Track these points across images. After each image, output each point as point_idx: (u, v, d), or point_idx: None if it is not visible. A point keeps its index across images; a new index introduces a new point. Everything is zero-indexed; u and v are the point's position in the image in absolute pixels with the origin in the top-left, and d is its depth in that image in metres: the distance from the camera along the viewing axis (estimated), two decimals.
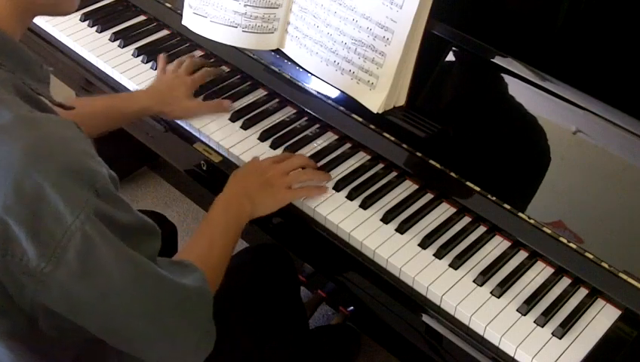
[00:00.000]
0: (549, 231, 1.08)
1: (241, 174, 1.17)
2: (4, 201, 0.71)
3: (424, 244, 1.11)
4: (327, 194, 1.19)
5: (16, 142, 0.72)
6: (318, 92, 1.31)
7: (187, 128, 1.34)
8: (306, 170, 1.21)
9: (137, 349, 0.85)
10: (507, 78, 1.16)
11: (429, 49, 1.18)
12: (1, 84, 0.77)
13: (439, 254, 1.10)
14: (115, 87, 1.44)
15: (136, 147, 1.50)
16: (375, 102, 1.20)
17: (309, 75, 1.30)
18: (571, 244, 1.06)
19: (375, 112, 1.21)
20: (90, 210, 0.74)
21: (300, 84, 1.33)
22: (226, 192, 1.13)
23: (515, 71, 1.15)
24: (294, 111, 1.36)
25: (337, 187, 1.20)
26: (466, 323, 1.03)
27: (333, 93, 1.29)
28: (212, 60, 1.47)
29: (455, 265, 1.08)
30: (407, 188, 1.21)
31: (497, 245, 1.12)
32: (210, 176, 1.32)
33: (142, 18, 1.59)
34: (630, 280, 1.01)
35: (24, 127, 0.74)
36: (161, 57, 1.41)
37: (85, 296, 0.76)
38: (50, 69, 0.88)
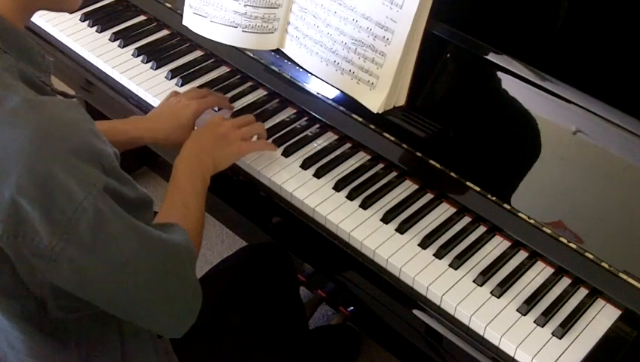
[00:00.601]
0: (549, 231, 1.08)
1: (195, 134, 1.19)
2: (17, 182, 0.73)
3: (424, 244, 1.11)
4: (327, 193, 1.19)
5: (26, 125, 0.75)
6: (318, 92, 1.31)
7: None
8: (255, 124, 1.25)
9: (139, 316, 0.87)
10: (507, 77, 1.16)
11: (429, 49, 1.18)
12: (7, 70, 0.80)
13: (439, 254, 1.10)
14: (116, 87, 1.44)
15: (136, 147, 1.49)
16: (375, 102, 1.20)
17: (309, 75, 1.30)
18: (571, 244, 1.06)
19: (375, 112, 1.21)
20: (100, 186, 0.77)
21: (300, 84, 1.33)
22: (184, 153, 1.14)
23: (515, 71, 1.15)
24: (294, 111, 1.36)
25: (337, 187, 1.20)
26: (466, 323, 1.03)
27: (333, 93, 1.29)
28: (212, 60, 1.47)
29: (455, 265, 1.08)
30: (407, 188, 1.21)
31: (497, 245, 1.12)
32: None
33: (142, 18, 1.59)
34: (630, 280, 1.01)
35: (32, 110, 0.76)
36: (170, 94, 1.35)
37: (94, 268, 0.78)
38: (52, 60, 0.90)
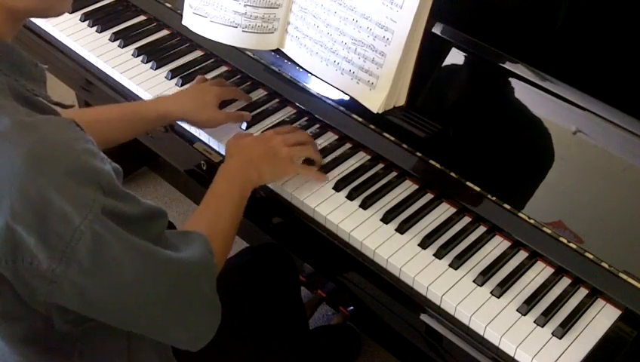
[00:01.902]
0: (549, 231, 1.08)
1: (244, 143, 1.17)
2: (11, 208, 0.71)
3: (424, 244, 1.11)
4: (327, 193, 1.19)
5: (17, 149, 0.72)
6: (318, 92, 1.31)
7: (187, 128, 1.34)
8: (308, 146, 1.22)
9: (153, 333, 0.86)
10: (507, 77, 1.16)
11: (429, 49, 1.18)
12: None
13: (439, 254, 1.10)
14: (115, 87, 1.44)
15: (136, 147, 1.49)
16: (375, 102, 1.20)
17: (309, 75, 1.30)
18: (571, 244, 1.06)
19: (375, 112, 1.21)
20: (98, 208, 0.75)
21: (300, 84, 1.33)
22: (229, 162, 1.14)
23: (515, 71, 1.15)
24: (294, 111, 1.36)
25: (337, 187, 1.20)
26: (466, 323, 1.03)
27: (333, 93, 1.29)
28: (212, 60, 1.47)
29: (455, 265, 1.08)
30: (407, 188, 1.21)
31: (497, 245, 1.12)
32: (210, 176, 1.31)
33: (142, 18, 1.59)
34: (630, 280, 1.01)
35: (24, 133, 0.73)
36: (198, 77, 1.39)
37: (98, 291, 0.77)
38: (45, 67, 0.88)
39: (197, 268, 0.87)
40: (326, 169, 1.23)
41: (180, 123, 1.34)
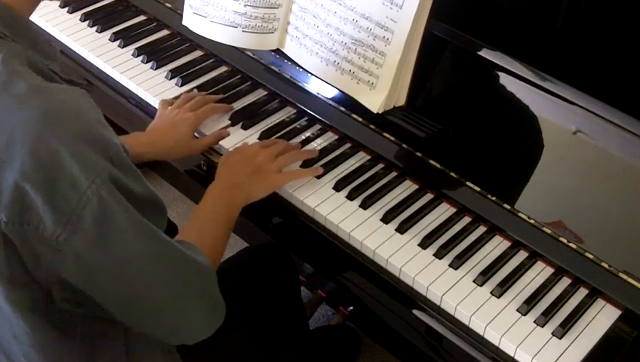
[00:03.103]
0: (549, 231, 1.08)
1: (230, 163, 1.17)
2: (21, 168, 0.72)
3: (424, 244, 1.11)
4: (327, 193, 1.19)
5: (31, 111, 0.74)
6: (318, 92, 1.31)
7: None
8: (293, 151, 1.22)
9: (147, 322, 0.85)
10: (507, 78, 1.16)
11: (429, 49, 1.18)
12: (15, 57, 0.79)
13: (439, 254, 1.10)
14: (115, 87, 1.44)
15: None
16: (375, 102, 1.20)
17: (309, 75, 1.30)
18: (571, 244, 1.06)
19: (375, 112, 1.21)
20: (105, 175, 0.75)
21: (300, 84, 1.33)
22: (216, 184, 1.13)
23: (515, 71, 1.15)
24: (294, 111, 1.36)
25: (337, 187, 1.20)
26: (466, 323, 1.03)
27: (333, 93, 1.29)
28: (212, 60, 1.47)
29: (455, 265, 1.08)
30: (407, 188, 1.21)
31: (497, 245, 1.12)
32: (210, 176, 1.31)
33: (142, 18, 1.59)
34: (630, 280, 1.01)
35: (39, 96, 0.75)
36: (162, 101, 1.34)
37: (100, 263, 0.77)
38: (58, 48, 0.90)
39: (204, 267, 0.88)
40: (326, 169, 1.23)
41: None
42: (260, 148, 1.19)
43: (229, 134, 1.29)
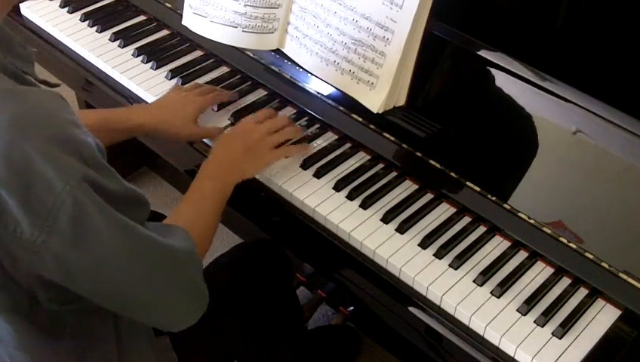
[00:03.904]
0: (549, 231, 1.08)
1: (226, 140, 1.19)
2: None
3: (424, 244, 1.11)
4: (327, 193, 1.19)
5: (2, 115, 0.73)
6: (318, 92, 1.31)
7: None
8: (287, 129, 1.23)
9: (132, 312, 0.87)
10: (507, 78, 1.16)
11: (429, 49, 1.18)
12: None
13: (439, 254, 1.10)
14: (115, 87, 1.44)
15: (136, 147, 1.49)
16: (375, 102, 1.20)
17: (309, 75, 1.30)
18: (571, 244, 1.06)
19: (375, 112, 1.21)
20: (80, 176, 0.75)
21: (300, 84, 1.33)
22: (211, 160, 1.14)
23: (515, 71, 1.15)
24: (294, 111, 1.36)
25: (337, 187, 1.20)
26: (466, 323, 1.03)
27: (333, 93, 1.29)
28: (212, 60, 1.47)
29: (455, 265, 1.08)
30: (407, 188, 1.21)
31: (497, 245, 1.12)
32: None
33: (142, 18, 1.59)
34: (630, 280, 1.01)
35: (9, 100, 0.74)
36: (174, 86, 1.37)
37: (79, 262, 0.77)
38: (34, 50, 0.88)
39: (183, 254, 0.88)
40: (326, 169, 1.23)
41: None
42: (254, 125, 1.20)
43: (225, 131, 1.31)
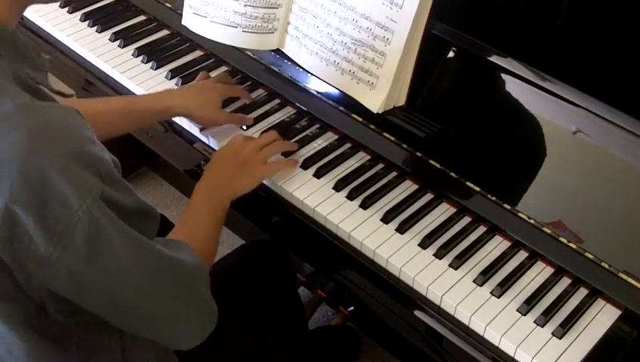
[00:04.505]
0: (549, 231, 1.08)
1: (218, 159, 1.19)
2: (10, 189, 0.72)
3: (424, 244, 1.11)
4: (327, 193, 1.19)
5: (19, 131, 0.73)
6: (318, 92, 1.31)
7: (187, 128, 1.34)
8: (277, 142, 1.23)
9: (142, 329, 0.86)
10: (507, 78, 1.16)
11: (429, 49, 1.18)
12: (2, 75, 0.78)
13: (439, 254, 1.10)
14: (115, 87, 1.44)
15: (136, 147, 1.49)
16: (375, 102, 1.20)
17: (309, 75, 1.30)
18: (571, 244, 1.06)
19: (375, 112, 1.21)
20: (97, 194, 0.75)
21: (300, 84, 1.33)
22: (204, 180, 1.15)
23: (515, 71, 1.15)
24: (294, 111, 1.36)
25: (337, 187, 1.20)
26: (466, 323, 1.03)
27: (333, 93, 1.29)
28: (212, 60, 1.47)
29: (455, 265, 1.08)
30: (407, 188, 1.21)
31: (497, 245, 1.12)
32: None
33: (142, 18, 1.59)
34: (630, 280, 1.01)
35: (26, 115, 0.74)
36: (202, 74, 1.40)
37: (92, 278, 0.77)
38: (47, 57, 0.88)
39: (193, 269, 0.88)
40: (326, 169, 1.23)
41: (179, 122, 1.35)
42: (244, 142, 1.20)
43: (251, 122, 1.33)
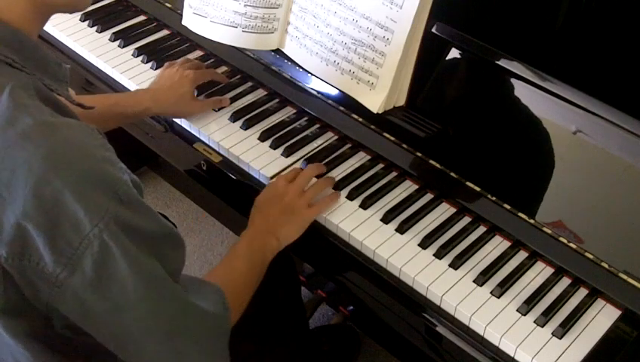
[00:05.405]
0: (549, 231, 1.08)
1: (261, 205, 1.15)
2: (24, 207, 0.71)
3: (424, 244, 1.11)
4: (327, 193, 1.19)
5: (36, 149, 0.72)
6: (318, 92, 1.31)
7: (187, 128, 1.34)
8: (318, 182, 1.19)
9: None
10: (507, 78, 1.16)
11: (429, 49, 1.18)
12: (23, 87, 0.76)
13: (439, 254, 1.10)
14: (115, 87, 1.44)
15: (136, 147, 1.49)
16: (375, 102, 1.20)
17: (309, 75, 1.30)
18: (571, 244, 1.06)
19: (375, 112, 1.21)
20: (111, 218, 0.73)
21: (300, 84, 1.33)
22: (250, 229, 1.12)
23: (515, 71, 1.15)
24: (294, 111, 1.36)
25: (337, 187, 1.20)
26: (466, 323, 1.03)
27: (333, 93, 1.29)
28: (212, 60, 1.47)
29: (455, 265, 1.08)
30: (407, 188, 1.21)
31: (497, 245, 1.12)
32: (210, 176, 1.32)
33: (142, 18, 1.59)
34: (630, 280, 1.01)
35: (45, 133, 0.73)
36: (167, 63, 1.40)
37: (97, 306, 0.75)
38: (68, 66, 0.87)
39: (212, 321, 0.85)
40: (326, 169, 1.23)
41: (179, 123, 1.35)
42: (286, 185, 1.16)
43: (228, 102, 1.35)
